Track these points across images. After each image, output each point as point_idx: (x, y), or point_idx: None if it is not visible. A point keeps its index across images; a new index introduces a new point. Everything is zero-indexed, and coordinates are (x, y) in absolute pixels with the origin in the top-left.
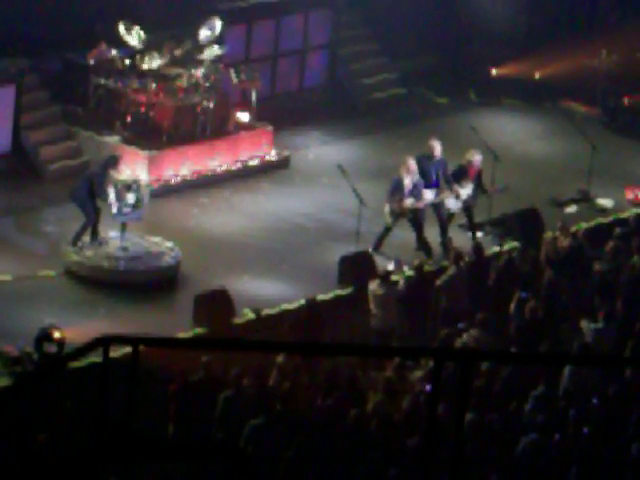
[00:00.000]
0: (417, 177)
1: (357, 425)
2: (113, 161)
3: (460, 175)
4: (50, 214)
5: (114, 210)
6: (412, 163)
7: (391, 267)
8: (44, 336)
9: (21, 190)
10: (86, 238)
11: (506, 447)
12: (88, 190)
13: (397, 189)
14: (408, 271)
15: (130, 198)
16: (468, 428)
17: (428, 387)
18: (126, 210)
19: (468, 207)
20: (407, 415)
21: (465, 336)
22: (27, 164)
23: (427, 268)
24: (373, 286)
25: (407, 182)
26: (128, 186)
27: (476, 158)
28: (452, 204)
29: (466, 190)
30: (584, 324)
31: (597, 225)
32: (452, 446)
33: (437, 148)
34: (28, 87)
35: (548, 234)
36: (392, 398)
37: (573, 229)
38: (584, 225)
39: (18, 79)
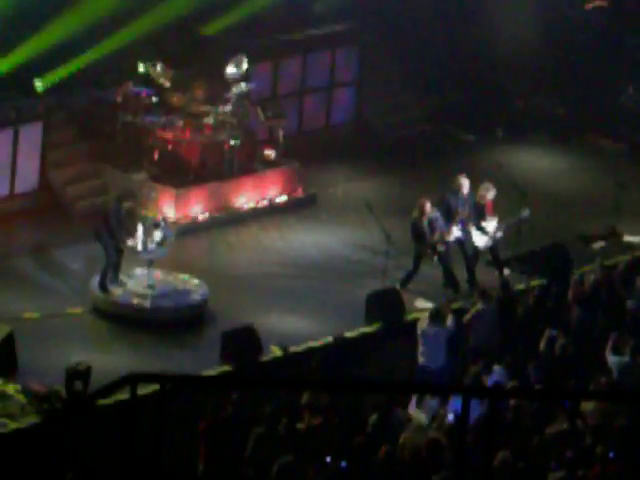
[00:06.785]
0: (434, 214)
1: (387, 462)
2: (127, 195)
3: (480, 213)
4: (77, 252)
5: (139, 247)
6: (427, 204)
7: (439, 305)
8: (74, 373)
9: (48, 228)
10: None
11: None
12: (108, 230)
13: (419, 233)
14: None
15: (157, 236)
16: (495, 464)
17: (450, 417)
18: (151, 247)
19: (493, 244)
20: (435, 450)
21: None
22: (54, 202)
23: (455, 305)
24: (423, 325)
25: (425, 224)
26: (156, 224)
27: (490, 192)
28: (481, 241)
29: (491, 225)
30: (610, 357)
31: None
32: None
33: (465, 185)
34: (55, 124)
35: (576, 271)
36: (422, 435)
37: (606, 265)
38: (618, 262)
39: (45, 116)
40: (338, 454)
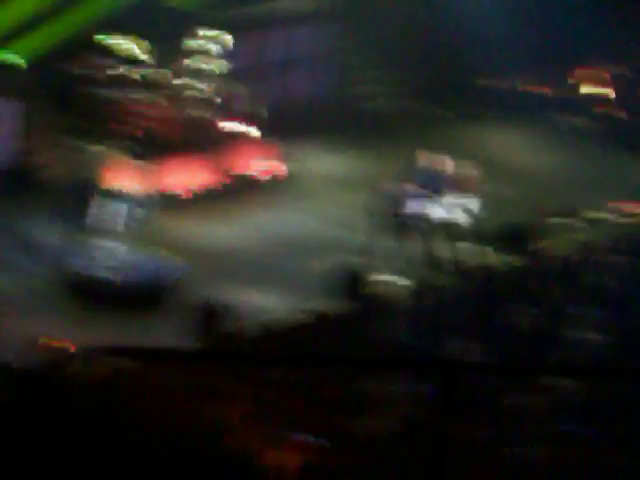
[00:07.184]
0: (403, 191)
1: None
2: (92, 190)
3: (446, 188)
4: (52, 228)
5: (100, 220)
6: (395, 181)
7: (409, 282)
8: (43, 348)
9: (24, 205)
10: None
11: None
12: (68, 210)
13: (389, 210)
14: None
15: (117, 208)
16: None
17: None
18: (108, 218)
19: (459, 219)
20: (411, 428)
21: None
22: (30, 179)
23: (425, 281)
24: (394, 302)
25: (394, 201)
26: (117, 196)
27: (457, 168)
28: (446, 217)
29: (457, 201)
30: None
31: (589, 238)
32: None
33: (433, 160)
34: (33, 101)
35: (540, 245)
36: (398, 411)
37: (565, 241)
38: (578, 238)
39: (23, 93)
40: (312, 431)
